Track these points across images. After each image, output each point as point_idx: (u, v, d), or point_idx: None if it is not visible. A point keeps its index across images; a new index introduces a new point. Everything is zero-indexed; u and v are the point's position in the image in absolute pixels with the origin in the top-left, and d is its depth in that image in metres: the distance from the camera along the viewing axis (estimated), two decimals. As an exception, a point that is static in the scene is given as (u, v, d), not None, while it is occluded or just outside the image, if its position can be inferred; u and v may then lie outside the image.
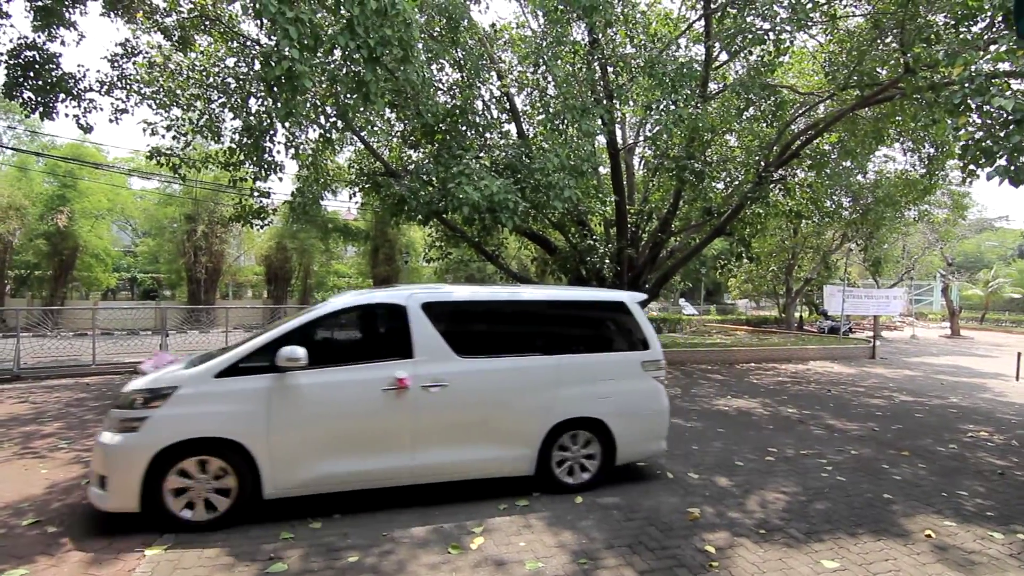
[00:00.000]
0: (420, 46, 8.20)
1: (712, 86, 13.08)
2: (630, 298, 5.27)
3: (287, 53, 5.50)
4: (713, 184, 12.83)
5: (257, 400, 3.98)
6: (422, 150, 12.74)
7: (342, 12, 5.99)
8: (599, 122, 10.46)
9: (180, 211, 23.05)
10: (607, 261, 12.62)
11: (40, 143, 25.96)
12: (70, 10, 12.88)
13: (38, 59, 13.07)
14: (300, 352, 3.96)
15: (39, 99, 13.24)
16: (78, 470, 5.23)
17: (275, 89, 5.89)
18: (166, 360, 4.97)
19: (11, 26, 12.08)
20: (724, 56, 12.49)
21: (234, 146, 10.98)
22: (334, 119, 9.08)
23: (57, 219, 19.88)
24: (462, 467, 4.52)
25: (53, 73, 13.10)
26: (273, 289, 25.70)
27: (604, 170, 14.46)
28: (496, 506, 4.49)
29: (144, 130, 10.40)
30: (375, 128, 12.92)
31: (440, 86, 11.95)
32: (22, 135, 26.95)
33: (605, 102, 10.45)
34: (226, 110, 10.86)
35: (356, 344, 4.71)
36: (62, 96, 13.11)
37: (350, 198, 15.88)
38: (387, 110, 11.60)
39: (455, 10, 9.98)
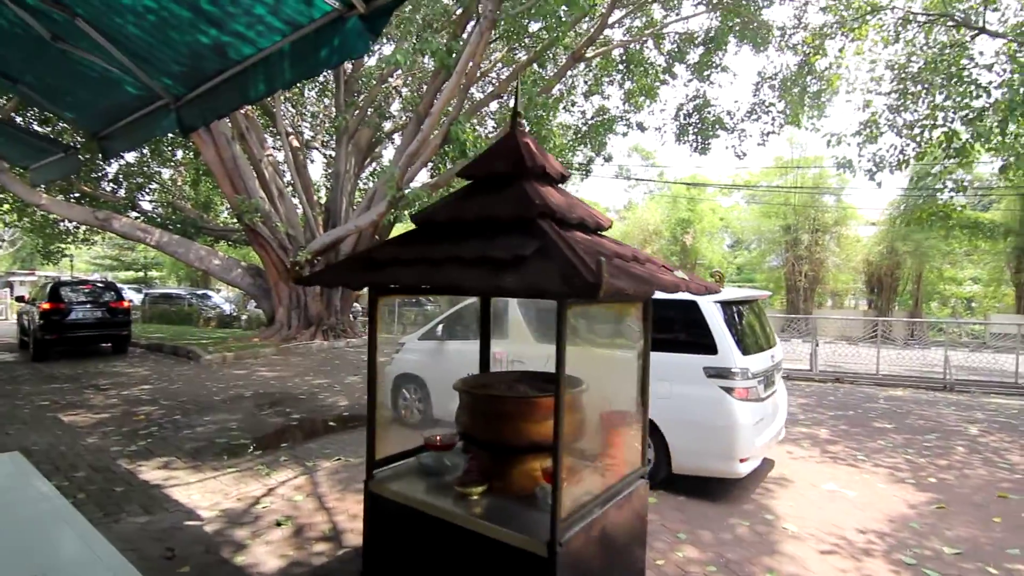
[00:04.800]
0: None
1: None
2: (705, 297, 4.37)
3: None
4: None
5: (430, 354, 6.19)
6: None
7: None
8: None
9: (779, 222, 23.93)
10: None
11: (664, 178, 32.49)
12: (718, 55, 14.86)
13: (698, 106, 15.64)
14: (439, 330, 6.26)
15: (699, 139, 15.82)
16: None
17: None
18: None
19: (679, 85, 14.58)
20: None
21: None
22: None
23: (684, 239, 23.96)
24: None
25: (711, 114, 15.42)
26: (876, 299, 23.26)
27: None
28: None
29: (828, 142, 10.63)
30: None
31: None
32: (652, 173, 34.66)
33: None
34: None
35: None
36: (718, 132, 15.25)
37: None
38: None
39: None
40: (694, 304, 4.55)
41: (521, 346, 5.27)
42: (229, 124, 12.65)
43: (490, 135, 16.05)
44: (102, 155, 3.73)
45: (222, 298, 25.78)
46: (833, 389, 9.62)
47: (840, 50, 12.50)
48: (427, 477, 2.74)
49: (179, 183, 19.80)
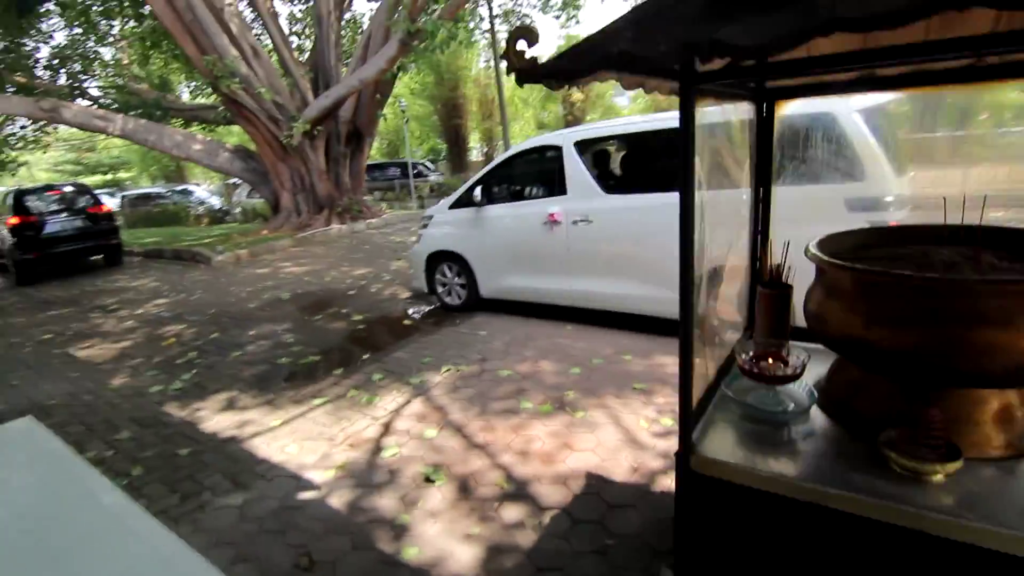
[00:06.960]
0: None
1: None
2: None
3: None
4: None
5: (467, 224, 5.18)
6: None
7: None
8: None
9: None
10: None
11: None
12: None
13: None
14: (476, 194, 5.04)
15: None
16: None
17: None
18: None
19: None
20: None
21: None
22: None
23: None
24: None
25: None
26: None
27: None
28: None
29: None
30: None
31: None
32: None
33: None
34: None
35: None
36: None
37: None
38: None
39: None
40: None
41: (586, 202, 4.37)
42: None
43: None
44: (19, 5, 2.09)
45: (206, 191, 23.65)
46: None
47: None
48: (758, 428, 1.53)
49: (125, 62, 16.80)
